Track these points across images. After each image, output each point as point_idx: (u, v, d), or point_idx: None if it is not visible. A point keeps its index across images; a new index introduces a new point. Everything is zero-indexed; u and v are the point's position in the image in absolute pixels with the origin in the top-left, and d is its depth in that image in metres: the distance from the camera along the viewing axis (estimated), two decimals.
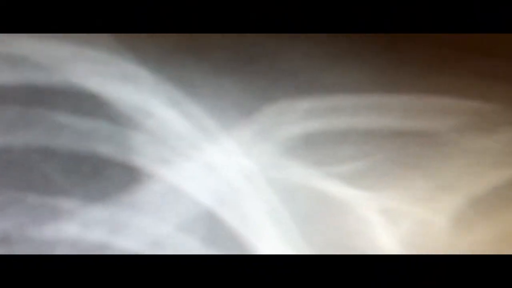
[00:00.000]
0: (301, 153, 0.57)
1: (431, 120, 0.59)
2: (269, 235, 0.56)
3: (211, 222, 0.55)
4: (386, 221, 0.58)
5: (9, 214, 0.53)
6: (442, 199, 0.59)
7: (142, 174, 0.55)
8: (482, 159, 0.59)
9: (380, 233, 0.58)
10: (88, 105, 0.55)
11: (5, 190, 0.54)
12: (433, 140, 0.59)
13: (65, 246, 0.53)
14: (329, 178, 0.58)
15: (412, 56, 0.59)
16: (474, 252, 0.59)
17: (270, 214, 0.56)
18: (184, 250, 0.54)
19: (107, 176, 0.55)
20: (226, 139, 0.56)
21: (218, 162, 0.56)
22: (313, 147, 0.58)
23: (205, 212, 0.55)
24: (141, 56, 0.56)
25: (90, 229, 0.54)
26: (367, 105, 0.59)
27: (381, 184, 0.58)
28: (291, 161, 0.57)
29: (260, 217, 0.56)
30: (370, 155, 0.58)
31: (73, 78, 0.55)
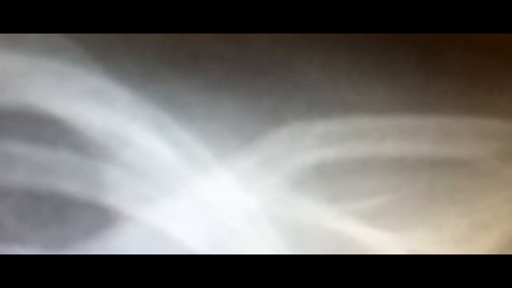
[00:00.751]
0: (314, 187, 0.50)
1: (470, 146, 0.52)
2: None
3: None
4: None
5: None
6: (480, 239, 0.53)
7: (117, 216, 0.47)
8: None
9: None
10: (49, 132, 0.46)
11: None
12: (471, 169, 0.52)
13: None
14: (347, 216, 0.51)
15: (449, 71, 0.52)
16: None
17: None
18: None
19: (72, 219, 0.46)
20: (223, 172, 0.48)
21: (213, 200, 0.48)
22: (328, 179, 0.51)
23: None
24: (115, 68, 0.47)
25: None
26: (395, 128, 0.51)
27: (408, 224, 0.52)
28: (301, 197, 0.50)
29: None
30: (396, 189, 0.51)
31: (29, 97, 0.45)
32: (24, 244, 0.46)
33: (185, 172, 0.48)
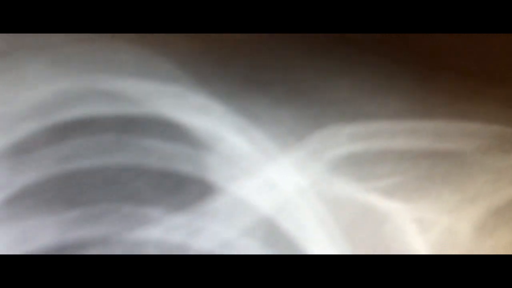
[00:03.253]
0: (346, 171, 0.65)
1: (458, 143, 0.65)
2: (318, 240, 0.64)
3: (270, 228, 0.63)
4: (418, 229, 0.64)
5: (106, 222, 0.63)
6: (466, 210, 0.66)
7: (215, 189, 0.64)
8: (502, 176, 0.65)
9: (413, 239, 0.65)
10: (173, 132, 0.63)
11: (103, 203, 0.63)
12: (460, 160, 0.65)
13: (151, 247, 0.63)
14: (370, 192, 0.65)
15: (442, 88, 0.66)
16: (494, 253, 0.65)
17: (320, 222, 0.64)
18: (247, 251, 0.63)
19: (186, 190, 0.64)
20: (284, 160, 0.64)
21: (277, 180, 0.64)
22: (356, 166, 0.65)
23: (265, 220, 0.64)
24: (213, 90, 0.64)
25: (172, 233, 0.64)
26: (403, 129, 0.65)
27: (414, 197, 0.65)
28: (337, 178, 0.65)
29: (311, 224, 0.64)
30: (404, 173, 0.64)
31: (159, 109, 0.64)
32: (154, 206, 0.63)
33: (259, 159, 0.65)
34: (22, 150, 0.60)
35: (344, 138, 0.64)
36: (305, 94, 0.64)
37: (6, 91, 0.60)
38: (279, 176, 0.63)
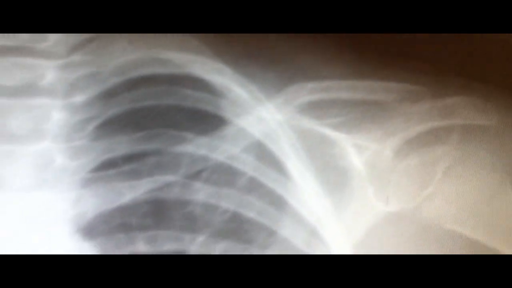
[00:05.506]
0: (309, 112, 0.74)
1: (382, 95, 0.75)
2: (291, 155, 0.71)
3: (260, 147, 0.71)
4: (356, 151, 0.73)
5: (159, 140, 0.69)
6: (388, 140, 0.74)
7: (225, 121, 0.72)
8: (411, 118, 0.74)
9: (353, 158, 0.73)
10: (200, 85, 0.72)
11: (157, 128, 0.70)
12: (383, 107, 0.75)
13: (187, 157, 0.69)
14: (324, 126, 0.73)
15: (372, 57, 0.73)
16: None
17: (292, 145, 0.71)
18: (246, 163, 0.69)
19: (208, 122, 0.71)
20: (269, 104, 0.78)
21: (265, 116, 0.72)
22: (315, 109, 0.74)
23: (257, 142, 0.72)
24: (226, 59, 0.72)
25: (199, 148, 0.71)
26: (346, 86, 0.74)
27: (353, 131, 0.74)
28: (303, 117, 0.73)
29: (287, 146, 0.72)
30: (347, 114, 0.74)
31: (193, 71, 0.73)
32: (188, 132, 0.69)
33: (253, 103, 0.72)
34: (110, 94, 0.71)
35: (307, 91, 0.74)
36: (283, 63, 0.73)
37: (99, 59, 0.71)
38: (266, 114, 0.74)
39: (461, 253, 0.64)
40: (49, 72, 0.71)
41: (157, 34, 0.72)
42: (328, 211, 0.71)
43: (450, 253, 0.66)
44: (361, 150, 0.73)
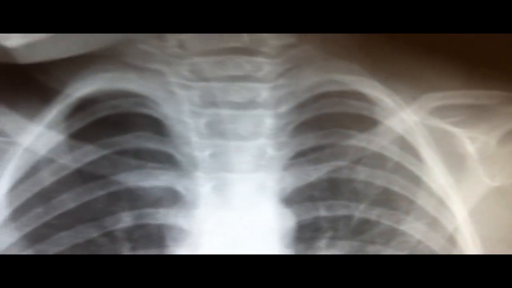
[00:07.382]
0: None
1: (486, 100, 0.87)
2: None
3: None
4: (470, 142, 0.87)
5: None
6: (489, 133, 0.88)
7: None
8: (509, 117, 0.87)
9: (467, 146, 0.86)
10: None
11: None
12: (487, 108, 0.86)
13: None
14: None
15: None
16: None
17: None
18: None
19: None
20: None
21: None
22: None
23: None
24: None
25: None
26: (462, 94, 0.87)
27: (467, 125, 0.88)
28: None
29: None
30: (464, 114, 0.87)
31: None
32: None
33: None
34: (302, 105, 0.89)
35: (434, 99, 0.91)
36: (416, 79, 0.88)
37: (297, 82, 0.88)
38: (406, 116, 0.92)
39: None
40: (263, 92, 0.91)
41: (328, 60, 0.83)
42: (451, 185, 0.88)
43: None
44: (473, 140, 0.89)
